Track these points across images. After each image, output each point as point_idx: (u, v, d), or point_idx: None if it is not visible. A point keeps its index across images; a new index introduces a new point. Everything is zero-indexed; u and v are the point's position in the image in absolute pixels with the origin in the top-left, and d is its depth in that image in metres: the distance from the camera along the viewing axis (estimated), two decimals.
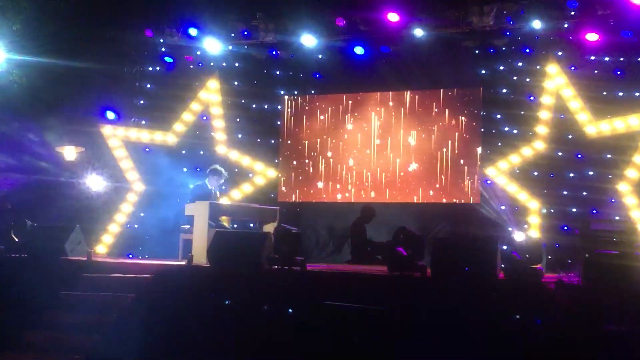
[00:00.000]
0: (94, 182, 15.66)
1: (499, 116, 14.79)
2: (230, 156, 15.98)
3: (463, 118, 15.06)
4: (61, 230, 12.65)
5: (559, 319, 8.87)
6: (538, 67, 14.41)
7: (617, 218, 13.25)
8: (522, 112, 14.48)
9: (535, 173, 14.34)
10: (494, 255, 9.89)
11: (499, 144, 14.70)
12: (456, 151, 15.02)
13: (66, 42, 14.71)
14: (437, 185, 15.07)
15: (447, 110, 15.18)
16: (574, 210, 13.83)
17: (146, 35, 15.53)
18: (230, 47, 15.79)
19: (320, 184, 15.86)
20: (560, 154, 14.20)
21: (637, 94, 13.80)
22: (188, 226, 13.01)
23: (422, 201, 15.16)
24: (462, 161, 14.95)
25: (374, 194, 15.43)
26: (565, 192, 14.03)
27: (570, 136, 14.14)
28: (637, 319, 8.75)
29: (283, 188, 16.10)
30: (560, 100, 14.17)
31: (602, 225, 12.28)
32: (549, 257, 12.95)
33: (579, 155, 14.08)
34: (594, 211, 13.64)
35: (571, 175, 14.11)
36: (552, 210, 14.07)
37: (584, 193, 13.87)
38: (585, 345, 8.55)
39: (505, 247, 10.52)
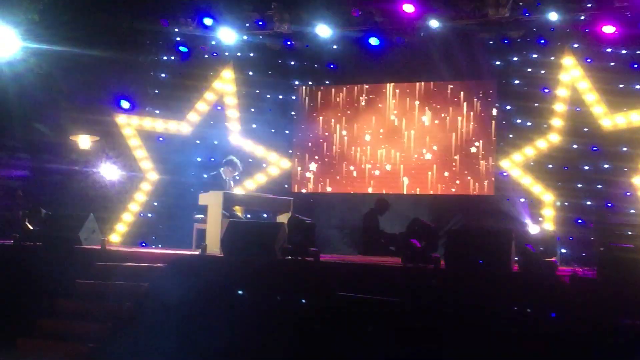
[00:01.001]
0: (109, 172, 15.72)
1: (514, 108, 14.73)
2: (244, 146, 15.98)
3: (477, 110, 15.01)
4: (75, 218, 12.65)
5: (574, 312, 8.84)
6: (553, 58, 14.33)
7: (632, 211, 13.20)
8: (537, 105, 14.42)
9: (550, 166, 14.27)
10: (508, 248, 9.85)
11: (514, 136, 14.65)
12: (470, 143, 14.97)
13: (82, 31, 14.71)
14: (451, 177, 15.02)
15: (461, 102, 15.14)
16: (589, 203, 13.78)
17: (161, 24, 15.48)
18: (245, 37, 15.75)
19: (334, 175, 15.83)
20: (575, 146, 14.12)
21: None
22: (202, 216, 13.04)
23: (435, 193, 15.13)
24: (476, 153, 14.91)
25: (388, 185, 15.40)
26: (580, 185, 13.97)
27: (585, 129, 14.06)
28: None
29: (298, 179, 16.08)
30: (575, 92, 14.10)
31: (617, 218, 12.28)
32: (563, 250, 12.94)
33: (594, 148, 14.01)
34: (609, 204, 13.58)
35: (586, 168, 14.04)
36: (567, 203, 14.00)
37: (599, 186, 13.80)
38: (600, 340, 8.52)
39: (519, 240, 10.46)
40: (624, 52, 13.83)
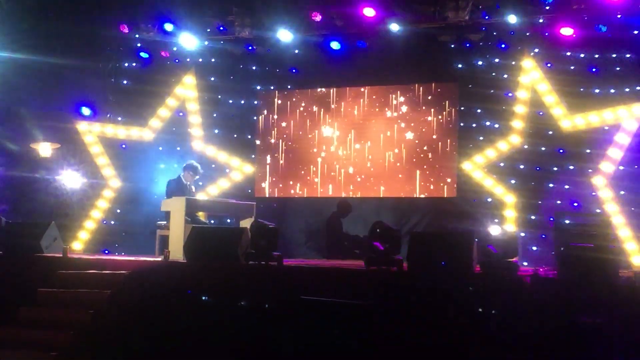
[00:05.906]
0: (70, 179, 15.60)
1: (475, 111, 14.83)
2: (206, 152, 15.96)
3: (440, 112, 15.10)
4: (37, 226, 12.52)
5: (535, 311, 8.91)
6: (514, 62, 14.45)
7: (591, 211, 13.33)
8: (499, 107, 14.52)
9: (512, 167, 14.39)
10: (470, 249, 9.91)
11: (475, 138, 14.75)
12: (433, 145, 15.07)
13: (42, 38, 14.64)
14: (414, 179, 15.09)
15: (423, 105, 15.23)
16: (550, 203, 13.89)
17: (121, 30, 15.38)
18: (206, 43, 15.72)
19: (297, 179, 15.86)
20: (536, 148, 14.25)
21: (612, 90, 13.81)
22: (164, 222, 12.99)
23: (398, 195, 15.20)
24: (438, 155, 15.00)
25: (351, 187, 15.45)
26: (541, 186, 14.10)
27: (546, 131, 14.18)
28: (611, 311, 8.82)
29: (261, 184, 16.08)
30: (536, 95, 14.22)
31: (577, 218, 12.38)
32: (530, 249, 13.09)
33: (557, 150, 14.14)
34: (570, 204, 13.70)
35: (548, 169, 14.16)
36: (529, 204, 14.12)
37: (561, 187, 13.95)
38: (560, 338, 8.60)
39: (481, 241, 10.53)
40: (582, 55, 13.94)
